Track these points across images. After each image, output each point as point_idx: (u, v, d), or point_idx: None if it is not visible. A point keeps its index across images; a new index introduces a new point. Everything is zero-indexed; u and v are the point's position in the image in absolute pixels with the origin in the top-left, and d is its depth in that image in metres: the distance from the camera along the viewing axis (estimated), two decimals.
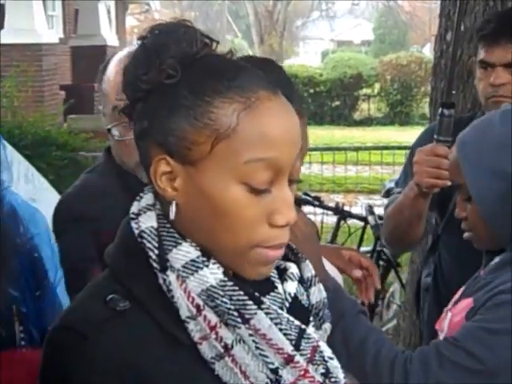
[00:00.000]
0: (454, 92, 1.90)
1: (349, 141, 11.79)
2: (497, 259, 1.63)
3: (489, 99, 2.17)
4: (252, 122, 0.92)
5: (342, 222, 4.80)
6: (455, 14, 3.17)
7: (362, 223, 4.98)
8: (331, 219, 5.31)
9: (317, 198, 4.79)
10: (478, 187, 1.59)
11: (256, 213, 0.94)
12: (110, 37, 14.10)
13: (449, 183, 1.88)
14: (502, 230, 1.59)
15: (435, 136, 1.95)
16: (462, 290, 1.71)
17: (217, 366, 0.96)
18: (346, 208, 5.25)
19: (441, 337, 1.63)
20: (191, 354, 0.95)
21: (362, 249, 4.94)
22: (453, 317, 1.62)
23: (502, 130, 1.58)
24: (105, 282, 1.00)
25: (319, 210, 5.19)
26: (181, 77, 0.94)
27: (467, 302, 1.59)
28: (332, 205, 4.98)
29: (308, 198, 4.77)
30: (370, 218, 4.51)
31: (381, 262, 4.76)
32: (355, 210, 6.38)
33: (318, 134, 14.55)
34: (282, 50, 28.19)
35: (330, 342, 1.09)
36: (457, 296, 1.70)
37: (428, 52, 24.32)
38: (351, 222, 5.04)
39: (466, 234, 1.71)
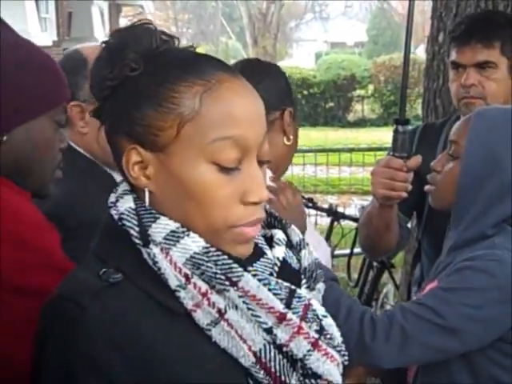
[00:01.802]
0: (406, 109, 1.92)
1: (343, 142, 11.80)
2: (451, 242, 1.69)
3: (460, 100, 2.18)
4: (214, 103, 0.96)
5: (336, 223, 4.81)
6: (447, 15, 3.20)
7: (355, 224, 4.98)
8: (325, 220, 5.33)
9: (310, 200, 4.80)
10: (472, 159, 1.64)
11: (228, 192, 0.97)
12: (103, 39, 14.10)
13: (404, 195, 1.91)
14: (462, 202, 1.65)
15: (391, 153, 1.95)
16: (427, 280, 1.79)
17: (213, 333, 0.97)
18: (340, 209, 5.26)
19: None
20: (187, 322, 0.97)
21: (356, 250, 4.95)
22: None
23: None
24: (92, 263, 1.01)
25: (313, 212, 5.20)
26: (143, 69, 0.99)
27: (432, 285, 1.65)
28: (325, 206, 4.99)
29: (302, 199, 4.77)
30: None
31: (374, 263, 4.77)
32: (349, 211, 6.40)
33: (312, 136, 14.57)
34: (275, 51, 28.18)
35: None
36: (423, 284, 1.78)
37: (421, 53, 24.36)
38: (345, 223, 5.04)
39: (427, 187, 1.79)
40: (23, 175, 1.34)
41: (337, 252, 4.91)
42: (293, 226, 1.15)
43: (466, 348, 1.56)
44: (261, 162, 1.01)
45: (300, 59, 31.16)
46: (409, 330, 1.53)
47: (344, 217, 4.95)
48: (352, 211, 6.45)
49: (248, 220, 0.99)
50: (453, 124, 2.26)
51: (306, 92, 18.30)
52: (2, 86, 1.29)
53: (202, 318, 0.97)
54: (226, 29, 32.13)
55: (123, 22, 20.95)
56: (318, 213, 5.22)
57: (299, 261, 1.11)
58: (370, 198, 2.11)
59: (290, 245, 1.12)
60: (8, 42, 1.34)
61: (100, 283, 0.96)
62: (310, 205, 4.79)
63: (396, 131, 1.96)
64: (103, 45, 1.03)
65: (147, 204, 0.99)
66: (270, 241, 1.10)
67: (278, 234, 1.11)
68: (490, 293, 1.52)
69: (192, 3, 32.48)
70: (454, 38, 2.21)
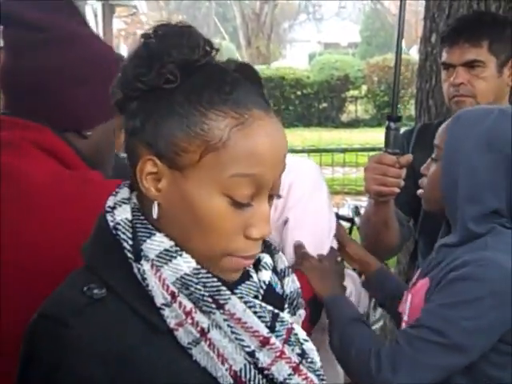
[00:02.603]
0: (400, 106, 1.95)
1: (336, 142, 11.82)
2: (443, 240, 1.71)
3: (451, 99, 2.21)
4: (243, 139, 0.95)
5: None
6: (439, 16, 3.22)
7: (348, 224, 4.98)
8: None
9: None
10: (448, 162, 1.67)
11: (234, 225, 0.97)
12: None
13: (397, 190, 1.93)
14: (448, 203, 1.67)
15: (384, 149, 1.98)
16: (418, 272, 1.77)
17: (194, 352, 0.98)
18: (334, 209, 5.25)
19: (404, 318, 1.71)
20: (169, 340, 0.98)
21: None
22: (412, 298, 1.69)
23: (492, 127, 1.63)
24: (80, 275, 1.02)
25: None
26: (179, 83, 0.95)
27: (423, 282, 1.66)
28: None
29: None
30: (357, 220, 4.51)
31: None
32: (343, 212, 6.40)
33: (306, 136, 14.58)
34: (269, 52, 28.18)
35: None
36: (414, 279, 1.76)
37: (415, 54, 24.39)
38: (339, 222, 5.04)
39: (419, 191, 1.81)
40: (99, 168, 1.47)
41: None
42: (280, 253, 1.16)
43: (472, 359, 1.56)
44: (271, 196, 1.01)
45: (294, 60, 31.15)
46: (415, 355, 1.53)
47: (337, 217, 4.95)
48: (345, 211, 6.44)
49: (246, 254, 0.99)
50: None
51: (299, 92, 18.30)
52: (95, 87, 1.40)
53: (183, 336, 0.97)
54: (219, 29, 32.10)
55: (116, 23, 20.91)
56: None
57: (282, 287, 1.12)
58: (364, 198, 2.14)
59: (274, 271, 1.13)
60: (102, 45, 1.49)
61: (84, 300, 0.96)
62: None
63: (388, 128, 1.98)
64: (143, 39, 0.99)
65: (155, 216, 0.99)
66: (256, 263, 1.10)
67: (266, 259, 1.12)
68: (486, 300, 1.52)
69: (185, 3, 32.45)
70: (443, 38, 2.24)
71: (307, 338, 1.08)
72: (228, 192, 0.95)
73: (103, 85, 1.26)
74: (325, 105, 18.64)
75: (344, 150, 8.42)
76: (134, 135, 0.99)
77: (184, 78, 0.95)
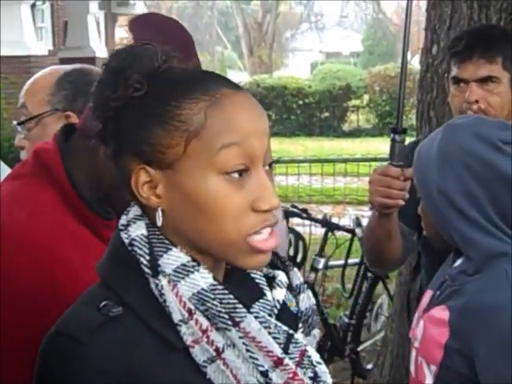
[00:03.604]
0: (404, 118, 1.95)
1: (338, 152, 11.83)
2: (458, 263, 1.66)
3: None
4: (219, 115, 0.97)
5: (330, 233, 4.81)
6: (440, 27, 3.22)
7: (349, 235, 4.98)
8: (320, 230, 5.32)
9: (304, 210, 4.80)
10: (426, 193, 1.66)
11: (239, 201, 0.97)
12: (99, 48, 14.08)
13: (401, 203, 1.94)
14: (445, 233, 1.65)
15: (389, 161, 1.98)
16: (428, 295, 1.72)
17: (209, 370, 0.97)
18: (335, 220, 5.26)
19: (415, 344, 1.66)
20: (184, 357, 0.97)
21: (350, 261, 4.95)
22: (426, 325, 1.64)
23: (442, 144, 1.62)
24: (97, 290, 1.02)
25: (307, 222, 5.20)
26: (147, 89, 0.99)
27: (440, 311, 1.60)
28: (320, 216, 4.99)
29: (296, 210, 4.78)
30: (358, 230, 4.49)
31: (369, 274, 4.77)
32: (344, 222, 6.40)
33: (307, 146, 14.61)
34: (271, 61, 28.24)
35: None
36: (425, 301, 1.72)
37: (416, 64, 24.41)
38: (340, 233, 5.04)
39: (424, 232, 1.79)
40: (116, 197, 1.33)
41: (331, 263, 4.90)
42: (295, 269, 1.15)
43: None
44: (269, 167, 1.02)
45: (295, 69, 31.22)
46: None
47: (338, 227, 4.95)
48: (346, 221, 6.44)
49: (261, 227, 0.99)
50: None
51: (301, 102, 18.32)
52: None
53: (199, 354, 0.97)
54: (221, 38, 32.19)
55: (119, 32, 20.95)
56: (313, 223, 5.21)
57: (297, 304, 1.11)
58: (365, 208, 2.14)
59: (289, 287, 1.12)
60: None
61: (100, 318, 0.96)
62: (305, 215, 4.79)
63: (393, 140, 1.98)
64: (103, 67, 1.03)
65: (159, 223, 0.99)
66: (270, 280, 1.10)
67: (281, 276, 1.11)
68: None
69: (188, 13, 32.54)
70: (455, 53, 2.20)
71: (320, 360, 1.07)
72: (221, 169, 0.97)
73: None
74: (326, 114, 18.65)
75: (346, 160, 8.43)
76: (119, 154, 1.02)
77: (150, 84, 0.99)
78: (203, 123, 0.96)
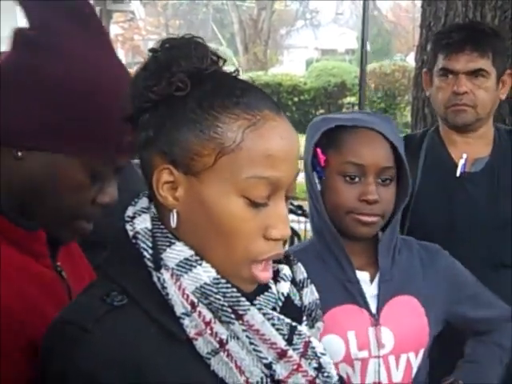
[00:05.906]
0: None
1: None
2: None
3: (449, 108, 2.19)
4: (256, 140, 0.96)
5: None
6: (435, 25, 3.23)
7: None
8: None
9: (299, 207, 4.81)
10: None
11: (252, 226, 0.98)
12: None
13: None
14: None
15: None
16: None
17: (212, 361, 0.98)
18: None
19: (380, 353, 1.62)
20: (188, 349, 0.98)
21: None
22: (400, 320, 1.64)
23: None
24: (100, 282, 1.03)
25: (302, 219, 5.21)
26: (190, 91, 0.97)
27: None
28: None
29: (291, 206, 4.79)
30: None
31: None
32: None
33: (302, 143, 14.58)
34: (266, 58, 28.23)
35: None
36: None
37: (412, 61, 24.44)
38: None
39: (373, 219, 1.60)
40: (34, 204, 1.18)
41: None
42: (299, 264, 1.16)
43: None
44: (287, 197, 1.02)
45: (291, 66, 31.19)
46: None
47: None
48: None
49: (268, 255, 0.99)
50: (432, 135, 2.29)
51: (296, 99, 18.34)
52: (41, 103, 1.14)
53: (202, 346, 0.98)
54: (216, 35, 32.14)
55: (114, 28, 20.93)
56: (307, 220, 5.21)
57: (301, 298, 1.12)
58: None
59: (293, 281, 1.13)
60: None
61: (104, 307, 0.97)
62: (300, 212, 4.80)
63: None
64: (151, 53, 1.01)
65: (173, 225, 0.99)
66: (275, 274, 1.10)
67: (285, 270, 1.12)
68: None
69: (183, 9, 32.50)
70: (446, 44, 2.21)
71: (324, 351, 1.08)
72: (244, 193, 0.96)
73: (54, 108, 1.12)
74: (322, 111, 18.64)
75: None
76: (147, 146, 1.00)
77: (194, 85, 0.97)
78: (239, 143, 0.95)
